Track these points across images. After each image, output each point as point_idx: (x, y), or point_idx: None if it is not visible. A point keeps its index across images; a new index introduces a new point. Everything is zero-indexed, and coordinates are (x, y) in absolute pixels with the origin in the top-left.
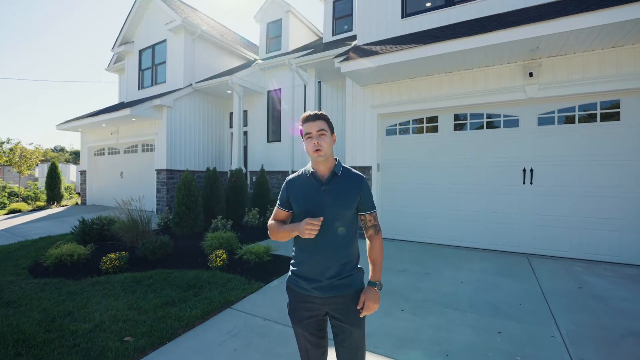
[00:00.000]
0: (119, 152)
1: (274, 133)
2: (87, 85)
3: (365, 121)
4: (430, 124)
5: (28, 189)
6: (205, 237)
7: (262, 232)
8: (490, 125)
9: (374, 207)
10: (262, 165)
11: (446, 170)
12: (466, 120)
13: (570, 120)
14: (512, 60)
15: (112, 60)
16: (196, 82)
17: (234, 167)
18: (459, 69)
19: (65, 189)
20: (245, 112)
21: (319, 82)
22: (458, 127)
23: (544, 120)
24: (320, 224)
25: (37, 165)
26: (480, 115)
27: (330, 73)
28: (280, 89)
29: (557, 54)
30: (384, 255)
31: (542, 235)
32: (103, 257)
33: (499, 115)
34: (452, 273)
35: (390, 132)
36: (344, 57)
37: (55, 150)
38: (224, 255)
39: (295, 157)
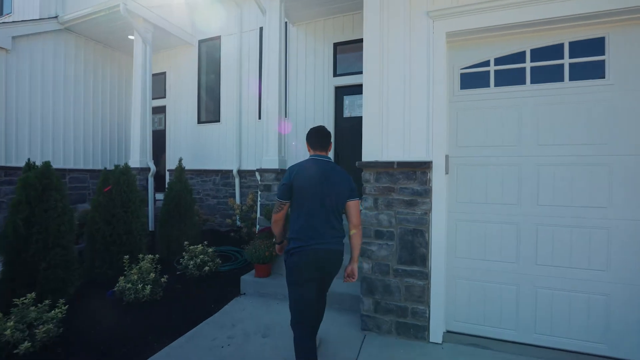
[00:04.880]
0: None
1: (210, 110)
2: None
3: (411, 53)
4: (581, 58)
5: None
6: None
7: (162, 329)
8: None
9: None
10: (181, 160)
11: (636, 172)
12: None
13: None
14: None
15: None
16: (67, 15)
17: (133, 165)
18: None
19: None
20: (162, 74)
21: (286, 22)
22: None
23: None
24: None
25: None
26: None
27: (309, 3)
28: (219, 37)
29: None
30: None
31: None
32: None
33: None
34: None
35: (471, 80)
36: None
37: None
38: None
39: (246, 147)
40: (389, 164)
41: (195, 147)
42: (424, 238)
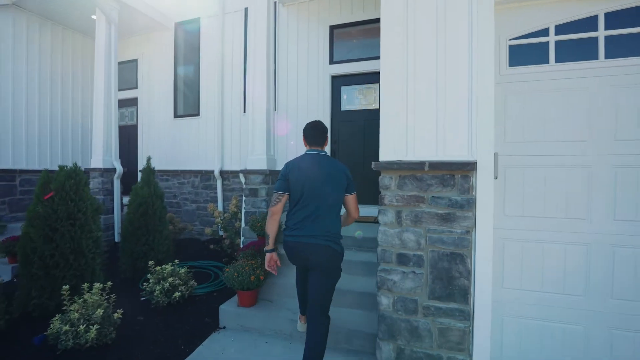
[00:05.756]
0: None
1: (188, 102)
2: None
3: (446, 17)
4: None
5: None
6: None
7: None
8: None
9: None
10: (149, 160)
11: None
12: None
13: None
14: None
15: None
16: None
17: (96, 165)
18: None
19: None
20: (133, 62)
21: (275, 1)
22: None
23: None
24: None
25: None
26: None
27: None
28: (198, 20)
29: None
30: None
31: None
32: None
33: None
34: None
35: (523, 54)
36: None
37: None
38: None
39: (230, 145)
40: (417, 165)
41: (171, 144)
42: (465, 265)
